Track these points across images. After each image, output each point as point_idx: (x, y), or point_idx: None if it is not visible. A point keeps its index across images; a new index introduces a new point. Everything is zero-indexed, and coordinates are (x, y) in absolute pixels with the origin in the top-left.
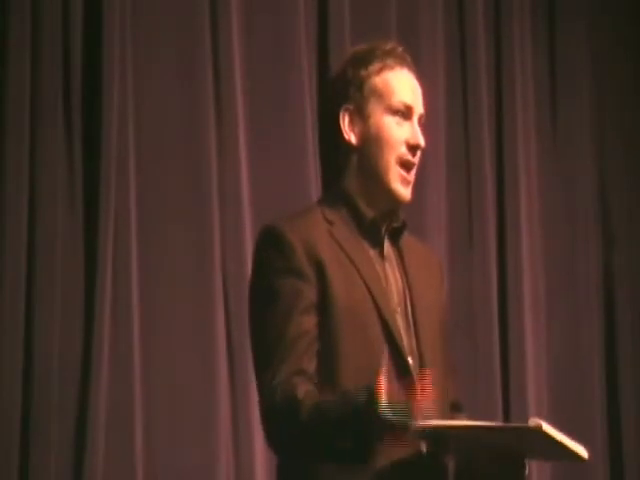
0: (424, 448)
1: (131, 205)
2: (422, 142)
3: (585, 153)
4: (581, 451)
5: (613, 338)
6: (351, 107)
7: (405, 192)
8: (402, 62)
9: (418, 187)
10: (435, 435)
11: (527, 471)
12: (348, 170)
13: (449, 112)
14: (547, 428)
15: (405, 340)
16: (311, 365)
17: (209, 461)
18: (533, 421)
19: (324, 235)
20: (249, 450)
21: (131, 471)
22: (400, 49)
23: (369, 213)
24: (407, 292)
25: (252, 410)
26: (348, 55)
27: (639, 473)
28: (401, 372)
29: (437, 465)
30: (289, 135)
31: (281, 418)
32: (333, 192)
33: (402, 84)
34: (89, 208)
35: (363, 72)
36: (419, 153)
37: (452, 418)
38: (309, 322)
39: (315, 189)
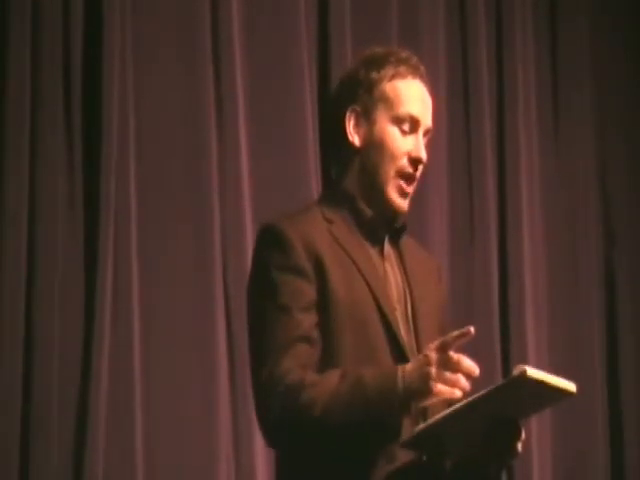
0: (424, 456)
1: (131, 205)
2: (424, 156)
3: (586, 151)
4: (569, 386)
5: (614, 336)
6: (358, 109)
7: (401, 203)
8: (415, 72)
9: (419, 186)
10: (428, 438)
11: (524, 436)
12: (349, 171)
13: (451, 111)
14: (532, 372)
15: (404, 338)
16: (310, 367)
17: (209, 461)
18: (517, 369)
19: (324, 233)
20: (249, 450)
21: (131, 471)
22: (415, 59)
23: (368, 212)
24: (407, 292)
25: (252, 410)
26: (363, 55)
27: None
28: None
29: (437, 471)
30: (289, 134)
31: (289, 414)
32: (332, 191)
33: (411, 95)
34: (89, 208)
35: (374, 75)
36: (421, 167)
37: None
38: (309, 321)
39: (316, 188)
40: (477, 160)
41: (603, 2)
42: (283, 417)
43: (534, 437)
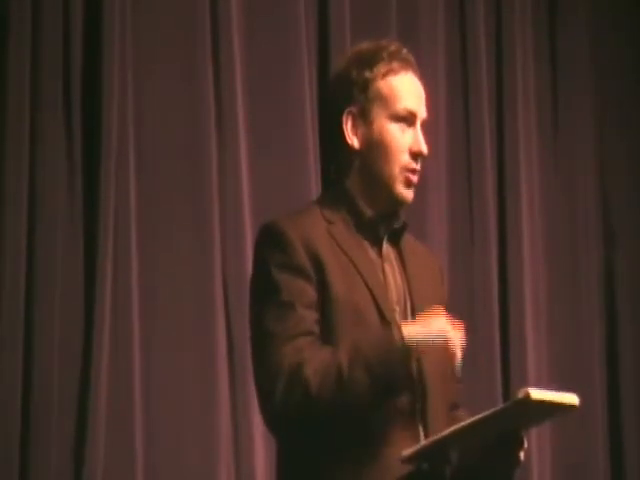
0: (426, 465)
1: (131, 205)
2: (425, 150)
3: (586, 152)
4: (572, 400)
5: (614, 337)
6: (354, 110)
7: (408, 194)
8: (407, 65)
9: (419, 186)
10: (427, 456)
11: (526, 444)
12: (350, 172)
13: (450, 111)
14: (535, 394)
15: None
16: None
17: (209, 461)
18: (521, 392)
19: (323, 233)
20: (249, 450)
21: (131, 471)
22: (404, 50)
23: (368, 212)
24: (406, 292)
25: (252, 410)
26: (351, 53)
27: None
28: None
29: (437, 475)
30: (289, 135)
31: (293, 393)
32: (332, 192)
33: (407, 90)
34: (89, 208)
35: (368, 74)
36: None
37: (451, 417)
38: (311, 318)
39: (315, 188)
40: (476, 160)
41: (603, 2)
42: (287, 398)
43: (534, 446)
